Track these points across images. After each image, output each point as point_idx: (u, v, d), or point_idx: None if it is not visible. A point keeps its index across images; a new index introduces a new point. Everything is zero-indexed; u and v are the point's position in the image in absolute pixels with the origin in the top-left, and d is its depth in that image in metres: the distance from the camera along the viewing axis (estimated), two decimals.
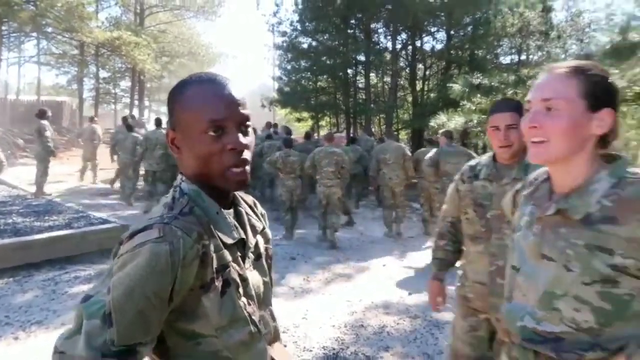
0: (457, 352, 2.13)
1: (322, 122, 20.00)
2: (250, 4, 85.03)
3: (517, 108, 1.92)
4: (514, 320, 1.15)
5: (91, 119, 12.32)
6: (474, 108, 7.21)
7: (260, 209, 1.21)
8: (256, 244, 1.11)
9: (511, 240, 1.24)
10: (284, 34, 17.32)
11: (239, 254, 1.02)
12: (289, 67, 18.29)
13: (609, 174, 1.04)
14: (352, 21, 16.34)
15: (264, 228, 1.17)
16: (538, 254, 1.11)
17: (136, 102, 26.33)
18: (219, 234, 0.97)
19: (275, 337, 1.15)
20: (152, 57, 23.13)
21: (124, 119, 10.45)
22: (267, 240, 1.18)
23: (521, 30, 16.42)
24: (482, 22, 15.23)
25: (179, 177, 1.03)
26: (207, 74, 1.00)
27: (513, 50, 19.35)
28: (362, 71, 17.45)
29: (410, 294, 4.66)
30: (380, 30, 17.32)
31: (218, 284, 0.94)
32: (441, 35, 16.93)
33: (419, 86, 17.15)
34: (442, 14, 15.30)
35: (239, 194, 1.14)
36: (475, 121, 7.58)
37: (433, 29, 16.81)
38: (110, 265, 0.90)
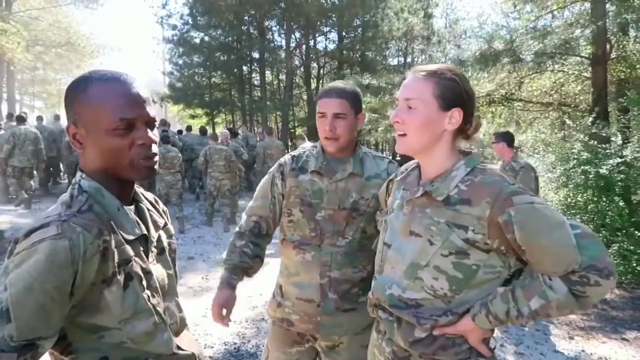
0: None
1: (218, 119, 19.58)
2: None
3: (349, 96, 1.64)
4: (383, 290, 1.31)
5: None
6: (364, 107, 7.64)
7: (161, 206, 1.25)
8: (159, 239, 1.14)
9: (384, 222, 1.40)
10: (174, 27, 16.56)
11: (141, 248, 1.05)
12: (180, 61, 17.59)
13: (465, 163, 1.23)
14: (246, 18, 16.21)
15: (165, 224, 1.20)
16: (407, 230, 1.27)
17: (5, 96, 23.54)
18: (120, 230, 0.99)
19: (182, 327, 1.18)
20: (23, 45, 20.80)
21: (10, 115, 10.18)
22: (169, 235, 1.21)
23: (406, 34, 17.60)
24: (371, 25, 16.07)
25: (78, 173, 1.03)
26: (110, 72, 1.01)
27: (399, 53, 20.70)
28: (257, 68, 17.42)
29: None
30: (274, 28, 17.43)
31: (120, 277, 0.96)
32: (333, 35, 17.58)
33: (313, 84, 17.57)
34: (334, 15, 15.83)
35: (140, 190, 1.16)
36: (365, 120, 8.06)
37: (326, 29, 17.33)
38: (5, 263, 0.89)
